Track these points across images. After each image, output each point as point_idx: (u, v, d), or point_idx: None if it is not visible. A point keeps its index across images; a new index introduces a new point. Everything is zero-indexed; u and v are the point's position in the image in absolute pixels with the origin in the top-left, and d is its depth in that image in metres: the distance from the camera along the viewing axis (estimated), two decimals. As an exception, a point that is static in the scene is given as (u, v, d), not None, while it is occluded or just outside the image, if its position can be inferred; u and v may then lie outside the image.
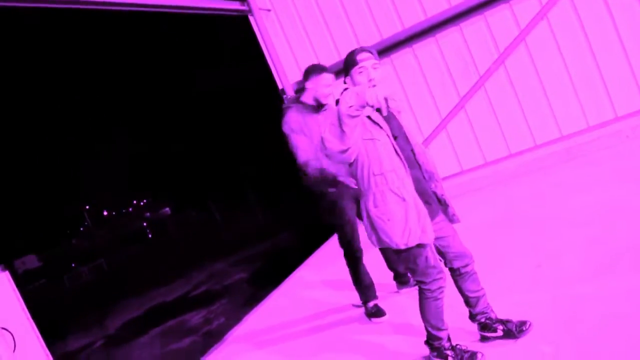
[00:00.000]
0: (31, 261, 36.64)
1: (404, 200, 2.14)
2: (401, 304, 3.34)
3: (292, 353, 3.31)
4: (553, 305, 2.55)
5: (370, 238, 2.28)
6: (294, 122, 3.16)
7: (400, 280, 3.49)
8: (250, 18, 6.35)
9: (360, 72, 2.18)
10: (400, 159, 2.18)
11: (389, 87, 2.34)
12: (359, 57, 2.19)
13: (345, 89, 2.18)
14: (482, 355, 2.28)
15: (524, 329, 2.35)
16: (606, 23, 4.98)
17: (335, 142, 2.05)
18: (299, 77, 6.38)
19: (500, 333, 2.39)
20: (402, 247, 2.16)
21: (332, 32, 6.15)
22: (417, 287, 2.33)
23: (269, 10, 6.38)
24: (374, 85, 2.14)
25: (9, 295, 3.72)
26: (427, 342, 2.39)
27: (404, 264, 2.38)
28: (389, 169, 2.15)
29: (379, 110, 2.07)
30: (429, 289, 2.25)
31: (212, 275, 11.14)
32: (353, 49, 2.28)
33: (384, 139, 2.16)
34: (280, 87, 6.43)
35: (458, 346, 2.36)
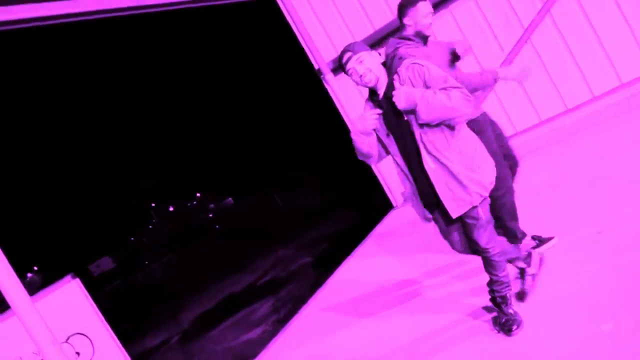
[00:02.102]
0: (106, 263, 39.73)
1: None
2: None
3: (357, 330, 3.67)
4: (615, 276, 2.61)
5: None
6: None
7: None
8: (278, 0, 6.59)
9: (351, 73, 2.46)
10: (393, 156, 2.58)
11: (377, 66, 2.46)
12: (343, 60, 2.46)
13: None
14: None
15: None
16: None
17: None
18: (334, 54, 6.58)
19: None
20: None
21: (363, 3, 6.26)
22: None
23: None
24: (365, 80, 2.45)
25: (81, 302, 4.23)
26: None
27: None
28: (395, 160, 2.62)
29: (378, 104, 2.48)
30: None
31: (277, 261, 11.51)
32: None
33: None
34: (316, 67, 6.67)
35: (509, 326, 2.66)
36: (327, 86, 6.68)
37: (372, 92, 2.55)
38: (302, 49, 6.69)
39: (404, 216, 6.14)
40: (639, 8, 4.96)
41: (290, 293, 8.26)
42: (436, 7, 5.82)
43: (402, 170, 2.56)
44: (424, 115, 2.33)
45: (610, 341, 2.22)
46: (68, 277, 4.23)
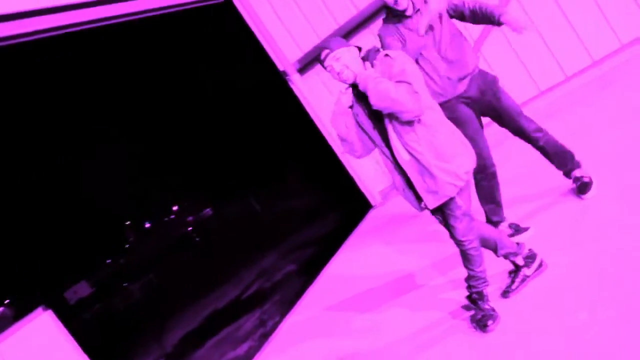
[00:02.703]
0: (83, 289, 38.87)
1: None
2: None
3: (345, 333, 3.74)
4: (593, 265, 2.60)
5: None
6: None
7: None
8: (235, 2, 6.46)
9: (330, 70, 2.52)
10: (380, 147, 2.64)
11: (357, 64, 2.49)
12: (322, 58, 2.52)
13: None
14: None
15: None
16: None
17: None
18: (299, 54, 6.49)
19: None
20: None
21: (326, 0, 6.19)
22: None
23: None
24: (343, 77, 2.50)
25: (55, 335, 4.05)
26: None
27: None
28: None
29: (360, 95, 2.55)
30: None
31: (261, 272, 11.41)
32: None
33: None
34: (281, 69, 6.56)
35: (484, 322, 2.69)
36: (293, 88, 6.58)
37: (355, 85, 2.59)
38: (265, 52, 6.58)
39: (384, 215, 6.15)
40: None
41: (276, 304, 8.17)
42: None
43: (391, 162, 2.61)
44: (373, 100, 2.39)
45: (589, 331, 2.21)
46: (39, 310, 4.05)
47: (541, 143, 3.22)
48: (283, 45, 6.46)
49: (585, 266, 2.64)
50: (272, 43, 6.42)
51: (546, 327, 2.41)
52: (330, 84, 6.45)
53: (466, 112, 3.19)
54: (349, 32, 6.10)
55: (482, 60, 5.63)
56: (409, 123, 2.43)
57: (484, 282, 2.72)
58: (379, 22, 5.99)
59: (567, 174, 3.30)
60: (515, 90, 5.57)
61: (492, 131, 3.71)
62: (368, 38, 6.02)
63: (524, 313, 2.64)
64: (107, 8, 4.65)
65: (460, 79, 3.13)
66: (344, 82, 2.52)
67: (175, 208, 74.71)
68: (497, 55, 5.60)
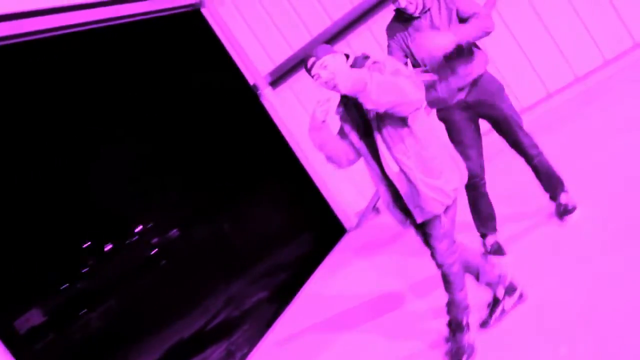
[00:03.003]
0: (35, 316, 37.11)
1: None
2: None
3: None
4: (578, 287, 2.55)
5: None
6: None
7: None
8: (203, 11, 6.19)
9: (317, 79, 2.44)
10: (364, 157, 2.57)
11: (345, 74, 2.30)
12: (308, 66, 2.45)
13: None
14: None
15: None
16: None
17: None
18: (271, 67, 6.24)
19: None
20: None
21: (297, 9, 5.98)
22: None
23: (221, -1, 6.20)
24: (330, 85, 2.39)
25: None
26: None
27: None
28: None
29: (356, 103, 2.45)
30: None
31: (229, 299, 11.21)
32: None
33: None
34: (251, 82, 6.28)
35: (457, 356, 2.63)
36: (264, 102, 6.28)
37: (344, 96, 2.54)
38: (235, 64, 6.28)
39: (360, 238, 6.00)
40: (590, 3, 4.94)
41: (245, 334, 7.93)
42: (374, 9, 5.63)
43: (378, 175, 2.55)
44: (374, 96, 2.21)
45: None
46: None
47: (535, 161, 3.20)
48: (254, 57, 6.19)
49: (564, 294, 2.61)
50: (242, 55, 6.14)
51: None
52: (304, 98, 6.19)
53: (462, 119, 3.11)
54: (324, 44, 5.89)
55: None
56: (400, 130, 2.38)
57: (465, 310, 2.65)
58: (354, 33, 5.82)
59: (553, 198, 3.32)
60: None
61: (490, 140, 3.58)
62: (343, 49, 5.81)
63: (502, 345, 2.60)
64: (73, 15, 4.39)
65: (461, 89, 3.03)
66: (332, 90, 2.41)
67: (138, 229, 73.17)
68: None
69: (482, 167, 3.24)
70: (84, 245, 66.71)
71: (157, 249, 57.53)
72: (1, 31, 3.88)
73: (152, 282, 30.21)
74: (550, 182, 3.26)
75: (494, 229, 3.40)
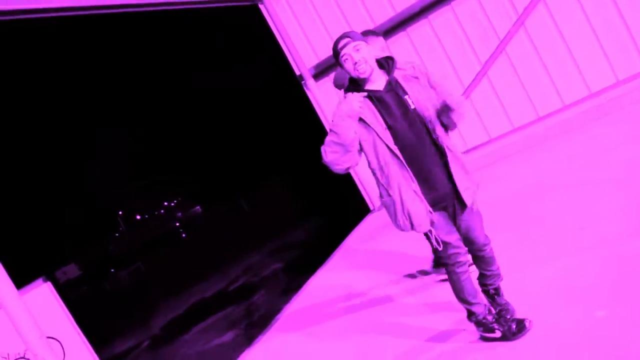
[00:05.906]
0: (72, 270, 37.98)
1: (389, 195, 2.33)
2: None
3: (334, 335, 3.52)
4: (600, 267, 2.58)
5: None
6: None
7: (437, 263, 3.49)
8: (261, 7, 6.48)
9: (345, 59, 2.27)
10: (392, 151, 2.27)
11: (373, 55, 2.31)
12: (339, 46, 2.27)
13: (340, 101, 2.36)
14: (530, 322, 2.43)
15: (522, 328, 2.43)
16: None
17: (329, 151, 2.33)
18: (315, 61, 6.51)
19: (498, 334, 2.47)
20: (407, 231, 2.37)
21: (345, 12, 6.23)
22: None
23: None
24: (359, 68, 2.25)
25: (53, 305, 3.98)
26: (469, 319, 2.53)
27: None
28: (380, 164, 2.32)
29: (378, 98, 2.30)
30: (446, 264, 2.43)
31: (248, 268, 11.24)
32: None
33: (373, 136, 2.30)
34: (297, 73, 6.56)
35: (503, 315, 2.47)
36: (308, 92, 6.58)
37: (356, 85, 2.36)
38: (284, 55, 6.58)
39: (381, 219, 5.99)
40: (606, 22, 5.08)
41: (263, 298, 8.05)
42: (415, 17, 5.85)
43: (403, 165, 2.29)
44: (458, 120, 2.27)
45: (604, 327, 2.15)
46: (39, 281, 3.97)
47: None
48: (302, 51, 6.47)
49: (590, 269, 2.61)
50: (292, 47, 6.43)
51: (565, 320, 2.36)
52: (340, 92, 6.43)
53: None
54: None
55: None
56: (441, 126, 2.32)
57: (500, 278, 2.55)
58: (394, 38, 6.04)
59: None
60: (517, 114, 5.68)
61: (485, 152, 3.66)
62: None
63: (538, 308, 2.56)
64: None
65: None
66: (358, 74, 2.27)
67: (165, 203, 73.96)
68: (502, 81, 5.68)
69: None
70: (119, 213, 67.81)
71: (178, 223, 58.08)
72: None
73: (175, 250, 30.60)
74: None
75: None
